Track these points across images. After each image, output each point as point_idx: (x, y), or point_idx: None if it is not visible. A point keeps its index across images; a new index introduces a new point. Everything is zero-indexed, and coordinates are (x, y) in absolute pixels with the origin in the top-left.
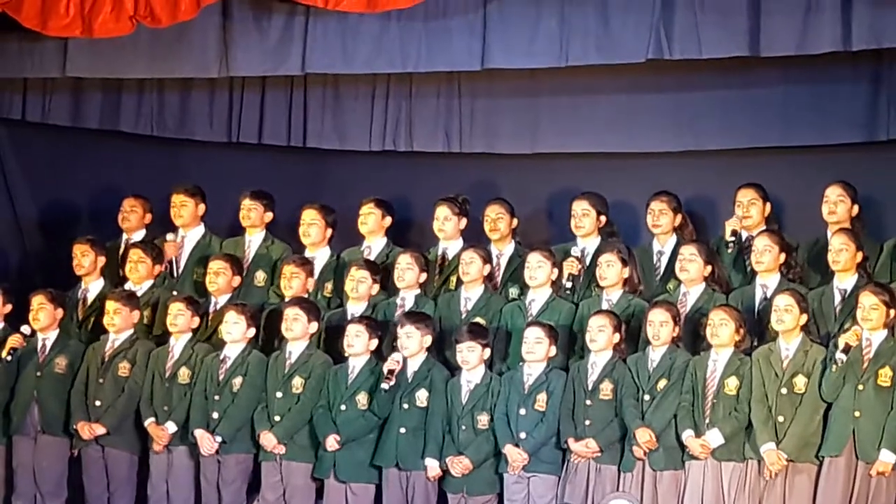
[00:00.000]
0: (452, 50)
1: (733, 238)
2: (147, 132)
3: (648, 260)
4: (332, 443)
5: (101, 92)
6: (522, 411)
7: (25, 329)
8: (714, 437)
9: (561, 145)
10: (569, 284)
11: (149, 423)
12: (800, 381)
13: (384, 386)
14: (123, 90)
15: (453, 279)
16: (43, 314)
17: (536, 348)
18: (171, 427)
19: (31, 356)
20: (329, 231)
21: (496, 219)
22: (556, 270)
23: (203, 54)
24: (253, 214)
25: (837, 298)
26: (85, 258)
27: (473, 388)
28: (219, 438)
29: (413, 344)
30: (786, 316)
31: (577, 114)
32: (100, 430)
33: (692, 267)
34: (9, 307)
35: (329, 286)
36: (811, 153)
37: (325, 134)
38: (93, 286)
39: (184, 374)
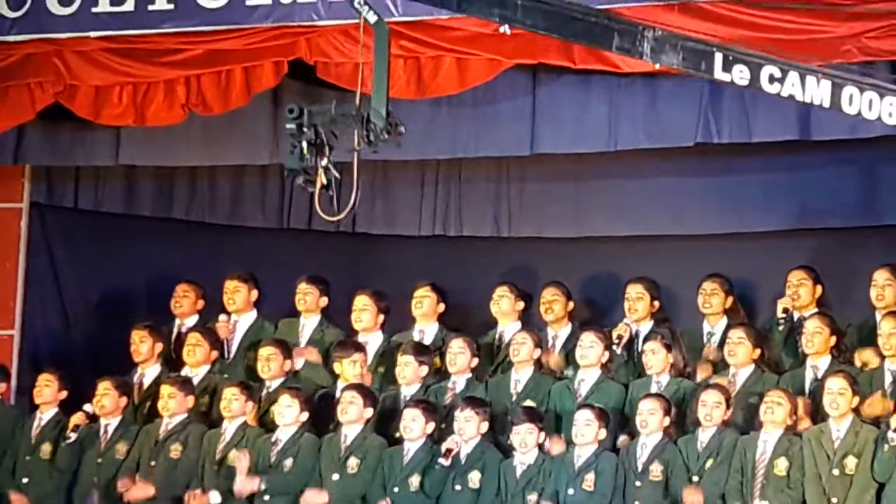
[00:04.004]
0: (502, 135)
1: (784, 315)
2: (199, 219)
3: (698, 341)
4: None
5: (154, 179)
6: (571, 491)
7: (88, 407)
8: None
9: (608, 229)
10: (616, 341)
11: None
12: (850, 462)
13: (441, 461)
14: (176, 177)
15: (509, 362)
16: (107, 400)
17: (586, 431)
18: (213, 497)
19: (93, 441)
20: (381, 317)
21: (551, 300)
22: (607, 353)
23: (254, 141)
24: (309, 298)
25: (889, 380)
26: (143, 344)
27: (526, 468)
28: None
29: (471, 429)
30: (840, 399)
31: (623, 197)
32: (149, 489)
33: (740, 350)
34: (64, 393)
35: (381, 370)
36: (859, 235)
37: (374, 219)
38: (149, 371)
39: (235, 457)
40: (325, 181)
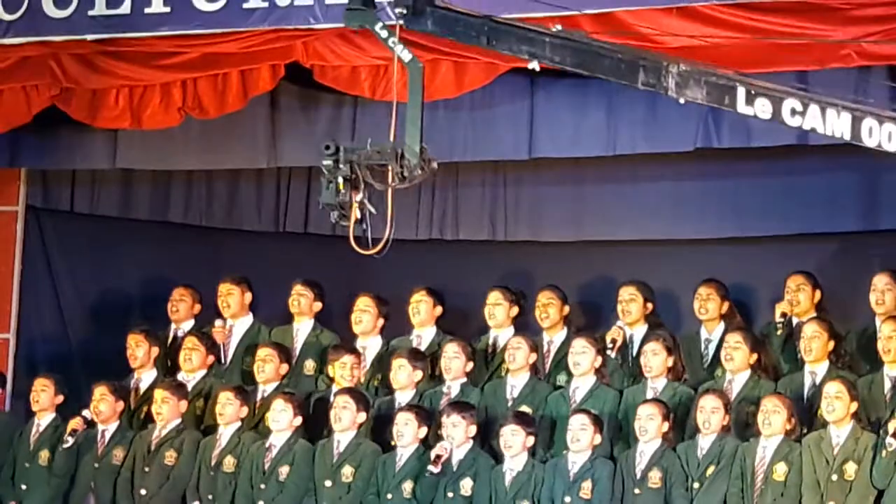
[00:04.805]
0: (499, 139)
1: (783, 320)
2: (196, 223)
3: (696, 348)
4: None
5: (150, 183)
6: (567, 499)
7: (86, 413)
8: None
9: (605, 233)
10: (610, 346)
11: None
12: (850, 468)
13: (431, 468)
14: (172, 181)
15: (504, 367)
16: (104, 405)
17: (581, 436)
18: None
19: (90, 446)
20: (381, 321)
21: (546, 304)
22: (600, 358)
23: (251, 145)
24: (302, 301)
25: (888, 385)
26: (139, 349)
27: (516, 475)
28: None
29: (459, 434)
30: (836, 403)
31: (621, 201)
32: None
33: (737, 355)
34: (61, 397)
35: (379, 376)
36: (857, 240)
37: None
38: (146, 376)
39: (229, 463)
40: (359, 216)
